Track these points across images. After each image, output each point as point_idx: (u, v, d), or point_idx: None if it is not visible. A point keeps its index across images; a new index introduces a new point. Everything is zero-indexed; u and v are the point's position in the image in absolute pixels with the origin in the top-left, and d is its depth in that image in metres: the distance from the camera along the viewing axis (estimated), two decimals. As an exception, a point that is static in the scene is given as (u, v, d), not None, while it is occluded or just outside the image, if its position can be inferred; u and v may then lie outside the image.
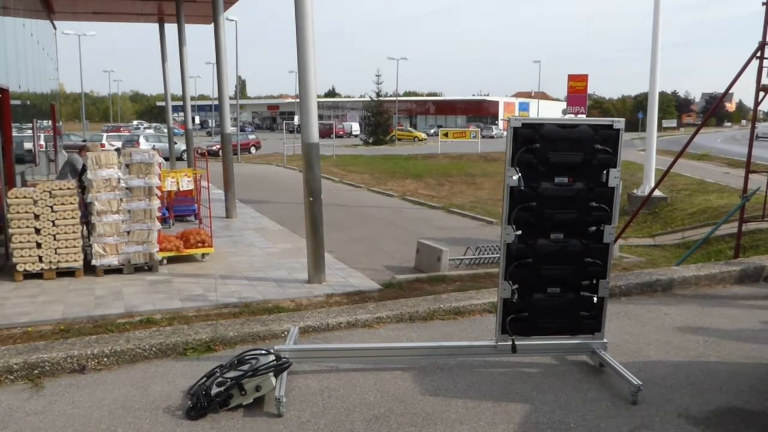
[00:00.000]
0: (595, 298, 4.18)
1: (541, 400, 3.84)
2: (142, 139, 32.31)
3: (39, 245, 7.11)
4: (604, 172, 4.04)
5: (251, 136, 43.73)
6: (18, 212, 7.04)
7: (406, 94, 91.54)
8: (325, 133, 45.08)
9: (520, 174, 3.95)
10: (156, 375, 4.26)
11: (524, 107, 71.39)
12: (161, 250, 7.78)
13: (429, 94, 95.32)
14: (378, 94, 53.70)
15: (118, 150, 8.25)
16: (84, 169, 8.52)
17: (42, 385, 4.12)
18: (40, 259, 7.14)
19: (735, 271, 6.63)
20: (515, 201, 3.99)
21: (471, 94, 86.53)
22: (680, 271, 6.75)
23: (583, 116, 22.46)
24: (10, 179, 9.28)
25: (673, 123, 70.25)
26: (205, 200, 9.81)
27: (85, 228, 7.74)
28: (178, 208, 11.30)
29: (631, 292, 6.18)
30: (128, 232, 7.48)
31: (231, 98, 26.39)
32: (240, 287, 6.84)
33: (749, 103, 8.78)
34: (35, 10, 14.66)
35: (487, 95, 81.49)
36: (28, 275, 7.15)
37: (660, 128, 38.78)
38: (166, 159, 16.55)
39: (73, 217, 7.25)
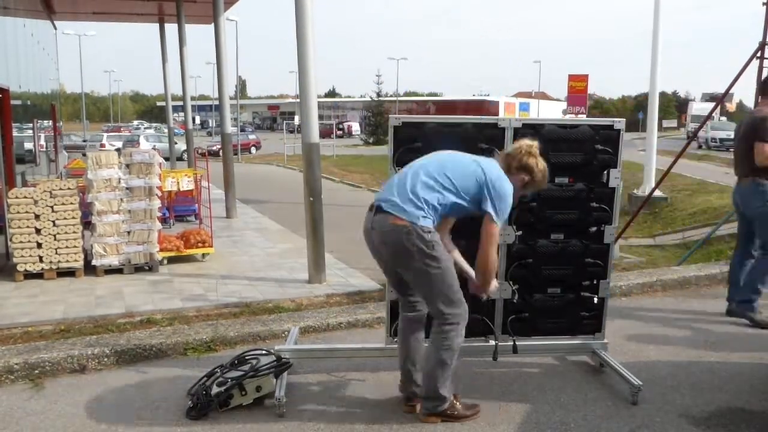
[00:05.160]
0: (595, 299, 4.19)
1: (542, 400, 3.84)
2: (142, 139, 32.31)
3: (39, 245, 7.11)
4: (605, 172, 4.05)
5: (251, 136, 43.76)
6: (18, 212, 7.04)
7: (407, 94, 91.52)
8: (326, 133, 45.10)
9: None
10: (156, 375, 4.26)
11: (524, 107, 71.33)
12: (161, 250, 7.78)
13: (429, 94, 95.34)
14: (378, 94, 53.72)
15: (118, 150, 8.25)
16: None
17: (42, 385, 4.12)
18: (41, 259, 7.14)
19: (735, 272, 6.62)
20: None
21: (471, 94, 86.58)
22: (681, 271, 6.75)
23: (584, 116, 22.46)
24: (11, 179, 9.28)
25: (674, 123, 70.19)
26: (206, 200, 9.81)
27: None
28: (179, 208, 11.30)
29: (632, 292, 6.18)
30: (128, 232, 7.48)
31: (231, 98, 26.39)
32: (240, 287, 6.84)
33: (749, 103, 8.78)
34: (36, 10, 14.67)
35: (488, 95, 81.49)
36: (29, 275, 7.15)
37: (660, 128, 38.75)
38: (167, 159, 16.54)
39: (73, 218, 7.25)
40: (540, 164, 3.50)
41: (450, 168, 3.40)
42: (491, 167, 3.42)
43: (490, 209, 3.33)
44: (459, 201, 3.37)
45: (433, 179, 3.36)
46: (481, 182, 3.34)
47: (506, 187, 3.37)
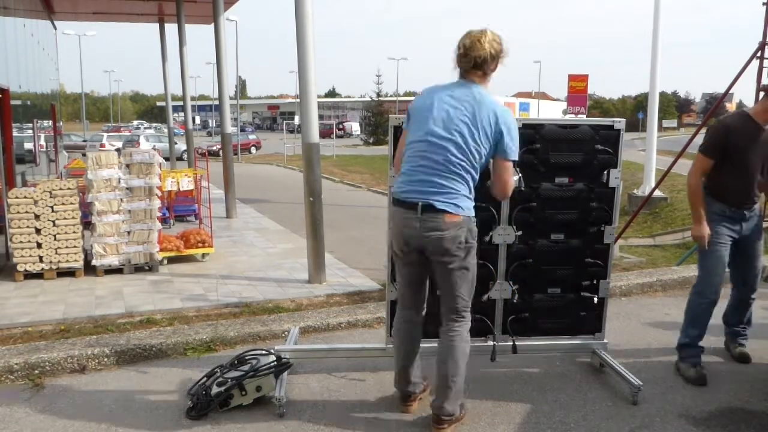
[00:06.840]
0: (595, 299, 4.19)
1: (542, 400, 3.84)
2: (142, 139, 32.32)
3: (39, 245, 7.11)
4: (605, 172, 4.04)
5: (251, 136, 43.79)
6: (18, 212, 7.04)
7: (407, 94, 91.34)
8: (326, 133, 45.09)
9: (520, 174, 3.95)
10: (156, 375, 4.26)
11: (525, 107, 71.29)
12: (162, 250, 7.78)
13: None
14: (378, 94, 53.71)
15: (118, 150, 8.25)
16: None
17: (42, 385, 4.12)
18: (41, 259, 7.14)
19: (735, 272, 6.61)
20: (515, 201, 3.99)
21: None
22: (680, 271, 6.75)
23: (584, 116, 22.44)
24: (11, 179, 9.28)
25: (674, 123, 70.21)
26: (206, 200, 9.81)
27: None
28: (179, 208, 11.30)
29: (632, 292, 6.18)
30: (129, 232, 7.48)
31: (231, 98, 26.38)
32: (240, 287, 6.84)
33: (749, 103, 8.77)
34: (36, 10, 14.66)
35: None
36: (29, 275, 7.15)
37: (660, 128, 38.76)
38: (167, 159, 16.52)
39: (73, 218, 7.25)
40: (498, 38, 3.26)
41: (477, 132, 3.14)
42: (500, 109, 3.20)
43: (513, 157, 3.27)
44: (485, 162, 3.28)
45: (468, 152, 3.14)
46: (498, 133, 3.21)
47: (516, 130, 3.29)
